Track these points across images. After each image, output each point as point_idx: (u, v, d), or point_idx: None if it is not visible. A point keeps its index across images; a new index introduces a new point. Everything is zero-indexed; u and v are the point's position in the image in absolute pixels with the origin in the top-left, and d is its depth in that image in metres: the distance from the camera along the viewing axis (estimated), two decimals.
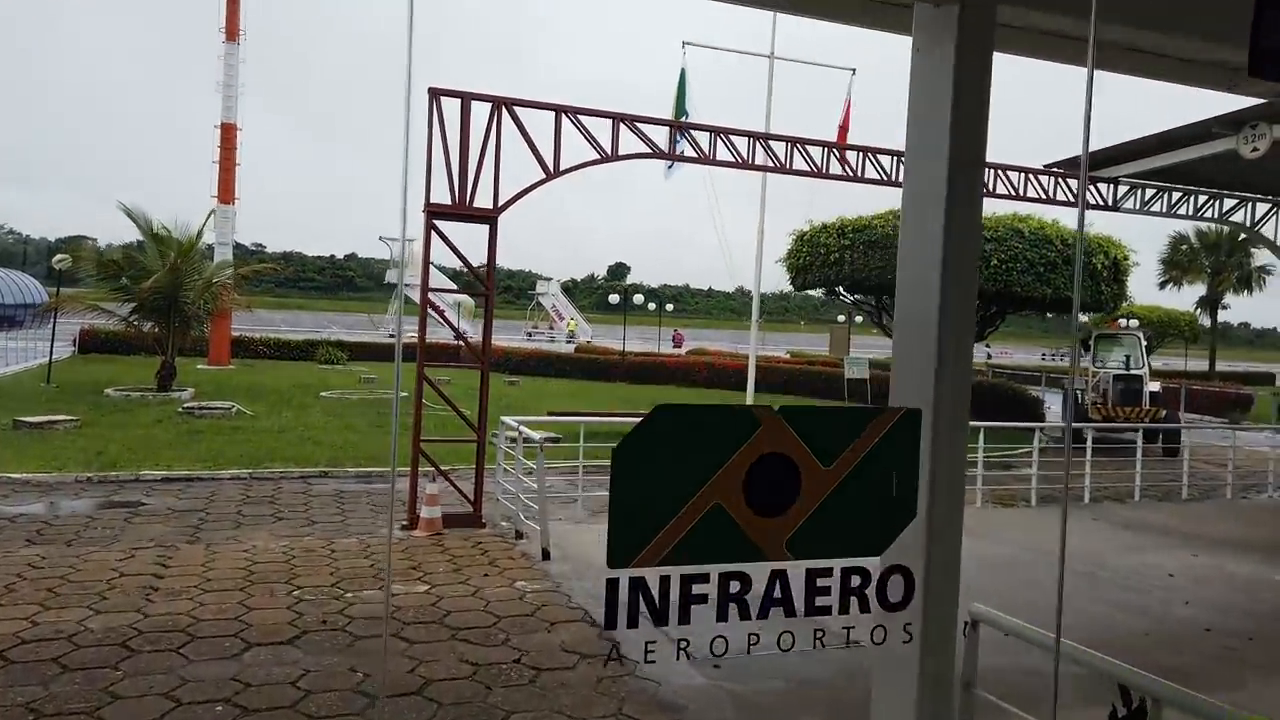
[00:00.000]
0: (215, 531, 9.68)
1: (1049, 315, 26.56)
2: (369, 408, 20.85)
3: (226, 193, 32.70)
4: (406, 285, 59.18)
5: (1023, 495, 13.59)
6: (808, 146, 12.05)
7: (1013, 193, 13.37)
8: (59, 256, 24.25)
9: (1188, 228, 56.18)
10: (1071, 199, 13.90)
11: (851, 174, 12.20)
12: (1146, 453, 14.91)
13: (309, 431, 16.56)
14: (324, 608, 7.24)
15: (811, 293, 26.50)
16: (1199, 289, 58.56)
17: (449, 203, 10.33)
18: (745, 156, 11.67)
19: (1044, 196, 13.79)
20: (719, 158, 11.61)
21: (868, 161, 12.38)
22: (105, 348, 31.73)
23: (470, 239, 10.90)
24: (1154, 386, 22.68)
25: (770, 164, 11.83)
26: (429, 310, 11.81)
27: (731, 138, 11.63)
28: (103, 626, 6.64)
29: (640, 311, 56.26)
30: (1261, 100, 9.56)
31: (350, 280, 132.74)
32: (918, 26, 3.22)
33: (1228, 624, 7.64)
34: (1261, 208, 14.70)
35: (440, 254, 10.58)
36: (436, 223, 10.38)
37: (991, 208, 23.46)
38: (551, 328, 71.50)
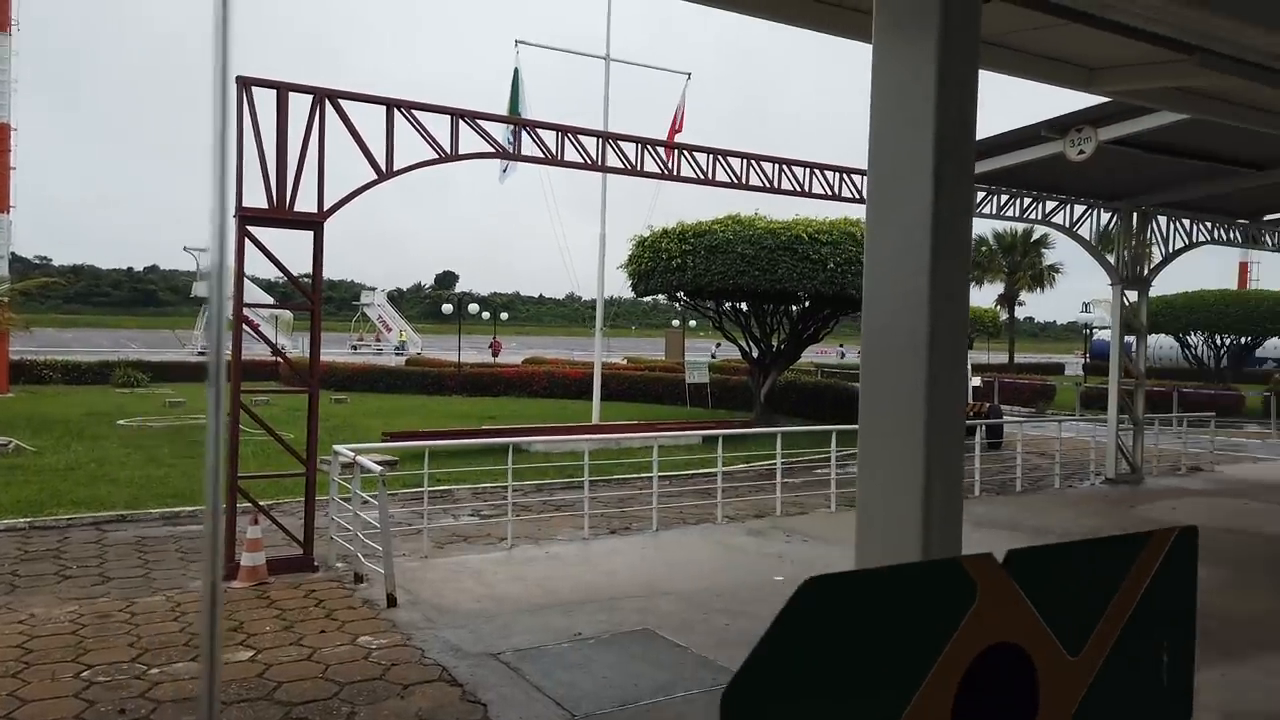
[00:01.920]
0: None
1: None
2: (176, 436, 18.77)
3: (0, 200, 29.03)
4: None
5: None
6: (658, 148, 11.56)
7: (856, 195, 13.40)
8: None
9: (986, 231, 60.48)
10: None
11: (702, 176, 11.80)
12: (970, 446, 15.34)
13: (103, 468, 14.58)
14: (122, 690, 6.01)
15: (645, 298, 26.20)
16: (997, 287, 63.26)
17: (266, 207, 9.13)
18: (595, 157, 11.03)
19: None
20: (567, 158, 10.92)
21: (717, 164, 12.03)
22: None
23: (287, 247, 9.70)
24: (975, 381, 23.77)
25: (621, 165, 11.25)
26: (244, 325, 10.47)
27: (580, 138, 10.96)
28: None
29: (473, 321, 54.69)
30: (1100, 102, 9.84)
31: (152, 294, 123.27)
32: (885, 18, 2.69)
33: None
34: (1079, 209, 15.49)
35: (257, 263, 9.36)
36: (252, 229, 9.16)
37: (825, 211, 23.90)
38: (378, 339, 68.56)
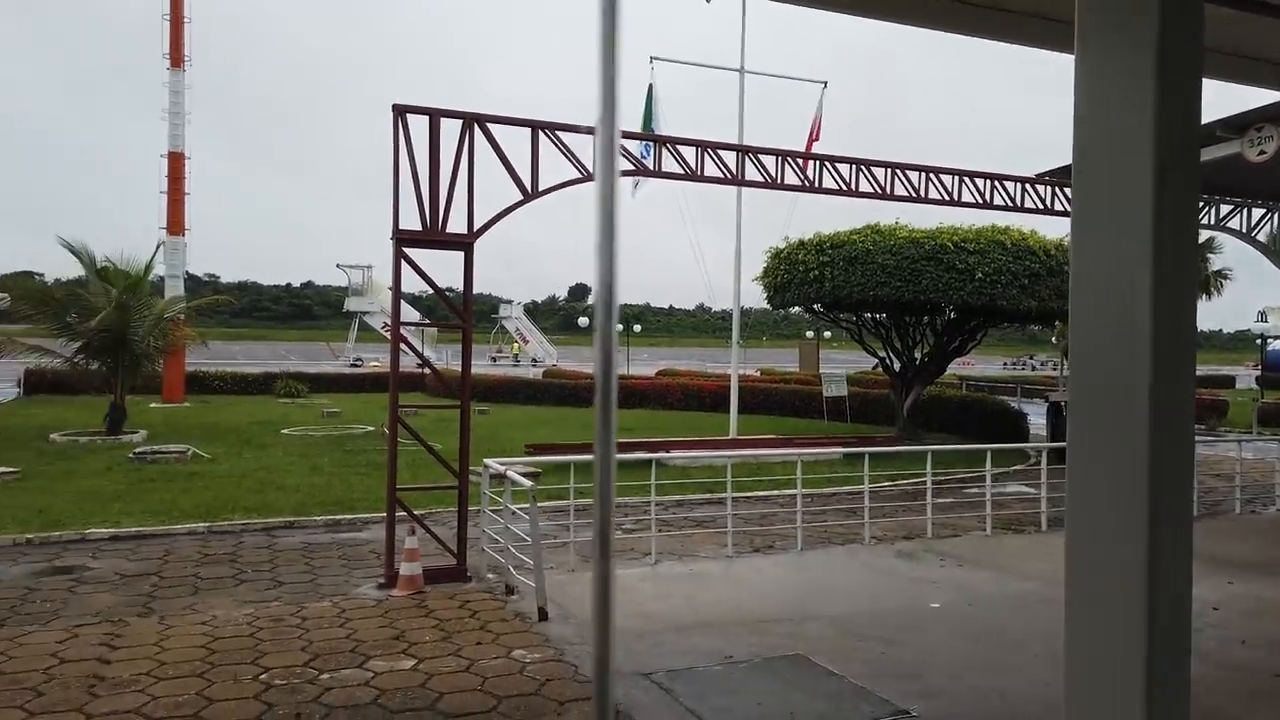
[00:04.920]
0: (170, 600, 8.68)
1: (1036, 327, 26.31)
2: (334, 445, 19.78)
3: (176, 224, 31.49)
4: (365, 314, 57.89)
5: (1031, 519, 12.97)
6: (798, 159, 11.38)
7: (1010, 203, 12.82)
8: None
9: None
10: (1067, 209, 13.36)
11: (846, 187, 11.54)
12: None
13: (271, 475, 15.50)
14: (298, 695, 6.32)
15: (779, 309, 25.90)
16: None
17: (420, 229, 9.51)
18: (734, 172, 10.97)
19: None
20: (706, 173, 10.90)
21: (860, 175, 11.75)
22: (53, 388, 29.95)
23: (432, 264, 10.05)
24: None
25: (761, 179, 11.14)
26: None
27: (719, 152, 10.93)
28: None
29: None
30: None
31: (307, 309, 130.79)
32: (1092, 26, 2.55)
33: None
34: (1257, 212, 14.35)
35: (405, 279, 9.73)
36: (408, 250, 9.57)
37: (971, 218, 23.03)
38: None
